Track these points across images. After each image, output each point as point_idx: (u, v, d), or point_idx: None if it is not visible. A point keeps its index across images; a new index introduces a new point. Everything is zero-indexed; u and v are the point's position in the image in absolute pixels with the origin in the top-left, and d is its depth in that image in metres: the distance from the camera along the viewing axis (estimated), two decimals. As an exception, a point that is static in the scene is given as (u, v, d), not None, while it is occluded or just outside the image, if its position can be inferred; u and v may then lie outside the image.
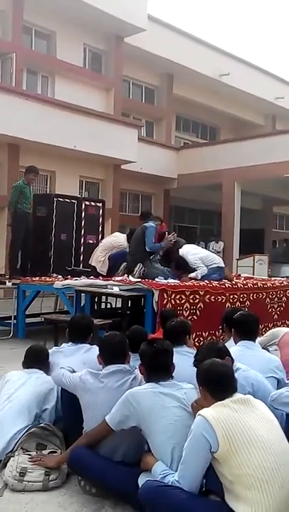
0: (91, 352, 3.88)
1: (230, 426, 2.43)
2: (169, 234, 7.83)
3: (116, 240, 8.37)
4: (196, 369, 2.83)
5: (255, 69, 22.97)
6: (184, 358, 3.46)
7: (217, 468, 2.46)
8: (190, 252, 7.62)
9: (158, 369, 2.99)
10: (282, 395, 3.07)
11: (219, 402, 2.54)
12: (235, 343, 3.96)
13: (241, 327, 4.01)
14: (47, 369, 3.87)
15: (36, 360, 3.88)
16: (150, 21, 17.68)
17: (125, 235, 8.34)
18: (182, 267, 7.43)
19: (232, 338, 4.14)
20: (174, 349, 3.25)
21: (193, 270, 7.45)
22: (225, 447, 2.39)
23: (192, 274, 7.37)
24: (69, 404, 3.42)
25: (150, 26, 17.53)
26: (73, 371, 3.49)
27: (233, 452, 2.39)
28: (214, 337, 6.43)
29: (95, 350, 3.75)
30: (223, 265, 7.89)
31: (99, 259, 8.13)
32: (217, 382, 2.62)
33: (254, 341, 4.00)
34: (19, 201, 8.35)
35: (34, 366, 3.82)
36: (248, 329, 3.99)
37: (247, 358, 3.62)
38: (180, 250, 7.64)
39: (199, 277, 7.31)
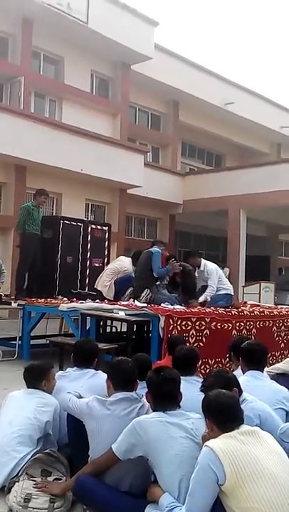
0: (96, 377, 3.85)
1: (238, 458, 2.39)
2: (173, 259, 7.88)
3: (121, 264, 8.40)
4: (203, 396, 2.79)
5: (260, 98, 23.27)
6: (191, 387, 3.42)
7: (224, 501, 2.41)
8: (213, 267, 7.85)
9: (165, 398, 2.96)
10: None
11: (226, 434, 2.50)
12: (243, 373, 3.91)
13: (249, 357, 3.97)
14: (50, 384, 3.77)
15: (36, 379, 3.77)
16: (157, 50, 18.02)
17: (130, 259, 8.36)
18: (190, 291, 7.47)
19: (239, 367, 4.09)
20: (183, 377, 3.21)
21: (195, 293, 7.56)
22: (232, 479, 2.35)
23: (201, 298, 7.49)
24: (75, 430, 3.37)
25: (157, 54, 17.85)
26: (80, 396, 3.45)
27: (241, 485, 2.34)
28: (220, 365, 6.36)
29: (101, 375, 3.72)
30: (232, 293, 7.91)
31: (105, 283, 8.15)
32: (223, 413, 2.59)
33: (262, 371, 3.96)
34: (27, 222, 8.40)
35: (34, 386, 3.73)
36: (255, 359, 3.95)
37: (254, 388, 3.57)
38: (202, 262, 7.79)
39: (209, 299, 7.37)
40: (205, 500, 2.45)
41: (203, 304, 7.64)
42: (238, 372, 3.97)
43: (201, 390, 3.04)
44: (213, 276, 7.82)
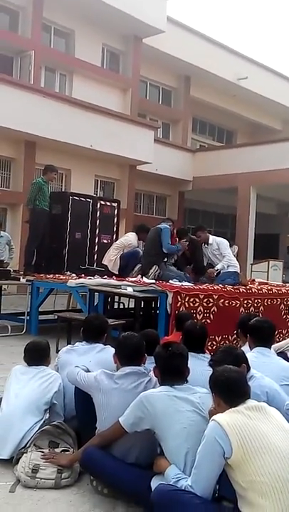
0: (105, 352, 3.88)
1: (245, 432, 2.41)
2: (184, 235, 7.92)
3: (127, 239, 8.48)
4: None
5: (274, 74, 22.91)
6: (200, 363, 3.44)
7: (230, 474, 2.44)
8: (224, 241, 7.93)
9: (172, 373, 2.97)
10: None
11: (234, 409, 2.52)
12: (251, 350, 3.93)
13: (257, 334, 3.98)
14: (48, 365, 3.86)
15: (41, 356, 3.84)
16: (169, 23, 17.72)
17: (135, 234, 8.37)
18: (200, 263, 7.55)
19: (247, 344, 4.11)
20: (192, 353, 3.22)
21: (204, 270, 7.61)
22: (238, 453, 2.37)
23: (219, 266, 7.67)
24: (83, 403, 3.41)
25: (169, 28, 17.57)
26: (88, 370, 3.48)
27: (247, 459, 2.37)
28: (227, 342, 6.39)
29: (109, 350, 3.75)
30: (239, 271, 7.93)
31: (110, 258, 8.21)
32: (229, 388, 2.61)
33: (269, 348, 3.96)
34: (38, 198, 8.40)
35: (39, 363, 3.79)
36: (263, 336, 3.95)
37: (262, 365, 3.58)
38: (210, 237, 7.90)
39: (226, 268, 7.51)
40: (210, 473, 2.48)
41: (218, 273, 7.69)
42: (245, 349, 3.97)
43: (210, 365, 3.06)
44: (226, 246, 7.86)
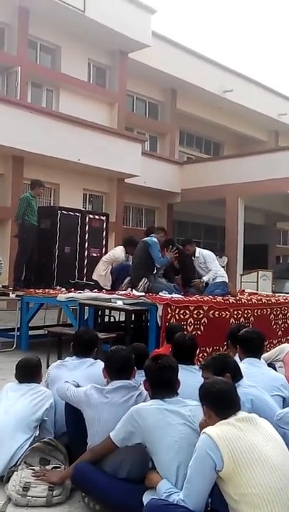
0: (95, 366, 3.86)
1: (235, 444, 2.40)
2: (171, 246, 7.94)
3: (114, 253, 8.49)
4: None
5: (258, 86, 23.16)
6: (190, 375, 3.44)
7: (222, 487, 2.43)
8: (210, 253, 7.98)
9: (163, 386, 2.97)
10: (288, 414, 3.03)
11: (224, 421, 2.51)
12: (241, 360, 3.93)
13: (246, 344, 3.99)
14: (40, 382, 3.85)
15: (33, 373, 3.83)
16: (154, 37, 17.88)
17: (122, 248, 8.37)
18: (190, 272, 7.56)
19: (237, 354, 4.11)
20: (182, 365, 3.21)
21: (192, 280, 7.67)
22: (230, 466, 2.37)
23: (205, 278, 7.67)
24: (73, 418, 3.39)
25: (154, 42, 17.73)
26: (78, 385, 3.46)
27: (238, 471, 2.36)
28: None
29: (99, 364, 3.74)
30: (228, 281, 7.94)
31: (100, 273, 8.19)
32: (220, 400, 2.60)
33: (259, 359, 3.97)
34: (26, 213, 8.40)
35: (30, 380, 3.76)
36: (253, 347, 3.97)
37: (252, 375, 3.58)
38: (197, 250, 7.93)
39: (212, 280, 7.53)
40: (202, 487, 2.47)
41: (206, 285, 7.72)
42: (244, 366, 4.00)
43: (200, 368, 3.04)
44: (212, 259, 7.87)
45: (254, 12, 58.66)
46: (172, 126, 20.88)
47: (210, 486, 2.47)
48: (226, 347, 5.52)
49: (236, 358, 4.08)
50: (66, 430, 3.55)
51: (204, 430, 2.50)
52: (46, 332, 6.84)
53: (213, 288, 7.71)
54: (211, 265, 7.85)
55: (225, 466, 2.37)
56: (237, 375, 3.25)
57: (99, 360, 3.91)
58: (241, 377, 3.28)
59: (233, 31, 58.24)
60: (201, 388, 2.73)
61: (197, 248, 8.08)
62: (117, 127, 17.30)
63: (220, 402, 2.59)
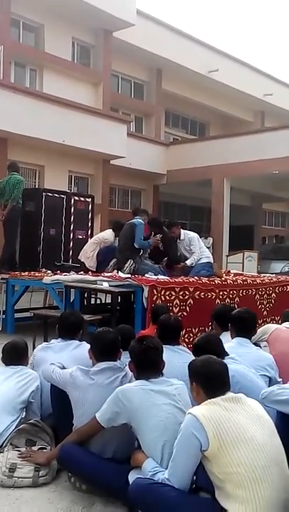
0: (80, 348, 3.86)
1: (221, 424, 2.42)
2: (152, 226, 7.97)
3: (104, 235, 8.51)
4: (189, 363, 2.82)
5: (243, 65, 23.03)
6: (175, 355, 3.46)
7: (207, 466, 2.46)
8: (194, 236, 7.94)
9: (148, 366, 2.98)
10: (273, 393, 3.05)
11: (210, 400, 2.53)
12: (232, 339, 3.96)
13: (238, 323, 4.01)
14: (26, 364, 3.86)
15: (19, 356, 3.83)
16: (139, 16, 17.65)
17: (111, 231, 8.37)
18: (174, 257, 7.56)
19: (223, 334, 4.14)
20: (167, 346, 3.22)
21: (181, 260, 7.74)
22: (215, 445, 2.39)
23: (188, 261, 7.73)
24: (59, 400, 3.40)
25: (139, 21, 17.50)
26: (63, 367, 3.47)
27: (224, 450, 2.38)
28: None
29: (85, 346, 3.74)
30: (212, 261, 7.97)
31: (87, 254, 8.20)
32: (212, 379, 2.61)
33: (250, 339, 4.00)
34: (19, 195, 8.36)
35: (17, 363, 3.77)
36: (245, 326, 3.99)
37: (239, 355, 3.61)
38: (182, 232, 7.94)
39: (194, 263, 7.63)
40: (187, 466, 2.50)
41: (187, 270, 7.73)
42: (223, 339, 4.03)
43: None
44: (196, 242, 7.90)
45: (240, -10, 57.98)
46: (158, 106, 20.73)
47: (195, 465, 2.50)
48: (211, 327, 5.57)
49: (222, 337, 4.12)
50: (52, 412, 3.57)
51: (190, 410, 2.52)
52: (32, 315, 6.83)
53: (199, 268, 7.73)
54: (194, 248, 7.87)
55: (210, 445, 2.39)
56: (221, 353, 3.26)
57: (84, 342, 3.92)
58: (225, 355, 3.30)
59: (219, 10, 57.64)
60: (192, 365, 2.74)
61: (182, 231, 8.08)
62: (102, 108, 17.12)
63: (212, 381, 2.61)
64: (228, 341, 3.92)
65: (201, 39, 21.04)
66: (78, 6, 15.69)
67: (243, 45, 48.15)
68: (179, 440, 2.51)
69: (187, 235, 7.99)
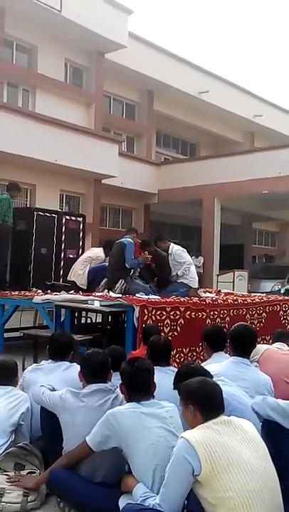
0: (71, 370, 3.82)
1: (213, 448, 2.40)
2: (148, 247, 7.94)
3: (94, 252, 8.47)
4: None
5: (233, 87, 23.34)
6: (166, 376, 3.44)
7: (198, 492, 2.42)
8: (178, 252, 7.88)
9: (139, 389, 2.96)
10: (266, 400, 3.05)
11: (202, 425, 2.51)
12: (230, 356, 3.89)
13: (237, 341, 3.88)
14: (16, 385, 3.82)
15: (8, 376, 3.78)
16: (131, 38, 17.90)
17: (101, 248, 8.38)
18: (164, 281, 7.52)
19: (214, 355, 4.13)
20: (158, 367, 3.21)
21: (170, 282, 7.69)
22: (207, 470, 2.36)
23: (179, 272, 7.69)
24: (49, 423, 3.36)
25: (131, 43, 17.74)
26: (53, 389, 3.43)
27: (216, 475, 2.36)
28: (195, 353, 6.42)
29: (75, 368, 3.71)
30: (195, 287, 7.92)
31: (78, 272, 8.17)
32: (208, 401, 2.60)
33: (248, 357, 3.87)
34: (7, 214, 8.32)
35: (6, 383, 3.72)
36: (242, 344, 3.86)
37: (236, 376, 3.56)
38: (170, 247, 7.88)
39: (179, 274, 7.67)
40: (179, 491, 2.47)
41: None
42: (210, 360, 4.01)
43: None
44: (183, 254, 7.83)
45: (229, 14, 59.13)
46: (149, 127, 20.92)
47: (187, 491, 2.47)
48: (201, 347, 5.56)
49: (211, 358, 4.10)
50: (42, 435, 3.52)
51: (182, 434, 2.51)
52: (22, 334, 6.78)
53: (176, 287, 7.69)
54: (184, 259, 7.83)
55: (202, 470, 2.37)
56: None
57: (75, 363, 3.89)
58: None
59: (209, 33, 58.65)
60: (186, 387, 2.70)
61: (172, 244, 8.01)
62: (94, 128, 17.25)
63: (210, 403, 2.59)
64: (219, 361, 3.89)
65: (192, 61, 21.36)
66: (71, 27, 15.89)
67: (233, 67, 49.01)
68: (171, 464, 2.48)
69: (174, 249, 7.89)
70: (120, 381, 3.07)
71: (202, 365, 3.82)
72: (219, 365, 3.75)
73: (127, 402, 2.98)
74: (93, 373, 3.24)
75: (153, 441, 2.76)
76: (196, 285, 7.96)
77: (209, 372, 3.21)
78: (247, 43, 60.01)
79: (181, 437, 2.48)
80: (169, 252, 7.90)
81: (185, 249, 8.14)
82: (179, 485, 2.46)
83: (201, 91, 21.09)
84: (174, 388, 3.04)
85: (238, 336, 3.92)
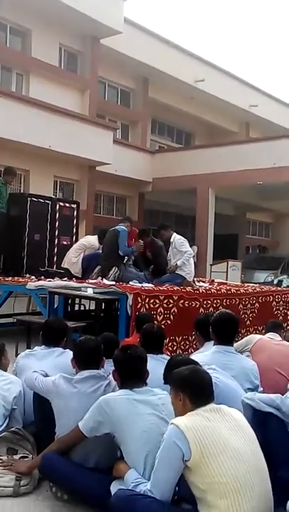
0: (64, 356, 3.83)
1: (203, 434, 2.42)
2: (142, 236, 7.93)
3: (88, 240, 8.46)
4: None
5: (230, 76, 23.22)
6: (158, 364, 3.45)
7: (188, 477, 2.45)
8: (179, 241, 7.88)
9: (132, 376, 2.97)
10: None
11: (192, 412, 2.53)
12: (214, 345, 3.86)
13: (218, 328, 3.80)
14: (3, 367, 3.82)
15: None
16: (126, 24, 17.70)
17: (96, 236, 8.36)
18: (160, 270, 7.48)
19: (206, 344, 4.14)
20: (150, 355, 3.21)
21: (165, 272, 7.66)
22: (197, 455, 2.38)
23: (179, 262, 7.69)
24: (41, 408, 3.37)
25: (126, 29, 17.55)
26: (46, 375, 3.44)
27: (205, 460, 2.38)
28: (188, 342, 6.45)
29: (68, 354, 3.72)
30: (190, 279, 7.93)
31: (72, 260, 8.15)
32: (200, 389, 2.61)
33: (232, 344, 3.81)
34: (0, 201, 8.28)
35: None
36: (224, 330, 3.79)
37: (222, 365, 3.55)
38: (172, 236, 7.87)
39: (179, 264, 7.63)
40: (170, 477, 2.48)
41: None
42: (202, 349, 4.02)
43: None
44: (185, 244, 7.84)
45: (227, 3, 58.69)
46: (144, 114, 20.80)
47: (177, 476, 2.48)
48: (194, 336, 5.58)
49: (203, 347, 4.11)
50: (34, 420, 3.53)
51: (172, 421, 2.52)
52: (15, 320, 6.78)
53: (172, 278, 7.69)
54: (185, 248, 7.83)
55: (192, 455, 2.39)
56: None
57: (68, 349, 3.89)
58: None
59: (206, 22, 58.21)
60: (177, 374, 2.70)
61: (173, 234, 7.99)
62: (88, 114, 17.13)
63: (201, 391, 2.60)
64: (204, 351, 3.89)
65: (188, 49, 21.20)
66: (66, 12, 15.69)
67: (229, 57, 48.76)
68: (161, 450, 2.50)
69: (175, 238, 7.90)
70: (113, 368, 3.08)
71: (193, 354, 3.83)
72: (205, 356, 3.73)
73: (120, 388, 2.99)
74: (86, 360, 3.24)
75: (145, 428, 2.77)
76: (191, 279, 7.97)
77: (198, 363, 3.21)
78: (244, 32, 59.72)
79: (171, 423, 2.50)
80: (171, 240, 7.90)
81: (186, 240, 8.13)
82: (169, 470, 2.47)
83: (196, 79, 20.98)
84: (165, 382, 3.03)
85: (221, 323, 3.81)
